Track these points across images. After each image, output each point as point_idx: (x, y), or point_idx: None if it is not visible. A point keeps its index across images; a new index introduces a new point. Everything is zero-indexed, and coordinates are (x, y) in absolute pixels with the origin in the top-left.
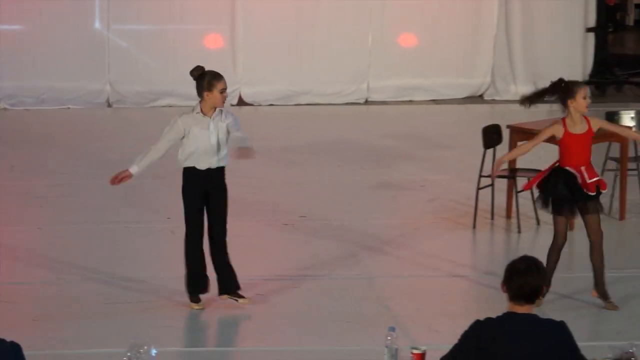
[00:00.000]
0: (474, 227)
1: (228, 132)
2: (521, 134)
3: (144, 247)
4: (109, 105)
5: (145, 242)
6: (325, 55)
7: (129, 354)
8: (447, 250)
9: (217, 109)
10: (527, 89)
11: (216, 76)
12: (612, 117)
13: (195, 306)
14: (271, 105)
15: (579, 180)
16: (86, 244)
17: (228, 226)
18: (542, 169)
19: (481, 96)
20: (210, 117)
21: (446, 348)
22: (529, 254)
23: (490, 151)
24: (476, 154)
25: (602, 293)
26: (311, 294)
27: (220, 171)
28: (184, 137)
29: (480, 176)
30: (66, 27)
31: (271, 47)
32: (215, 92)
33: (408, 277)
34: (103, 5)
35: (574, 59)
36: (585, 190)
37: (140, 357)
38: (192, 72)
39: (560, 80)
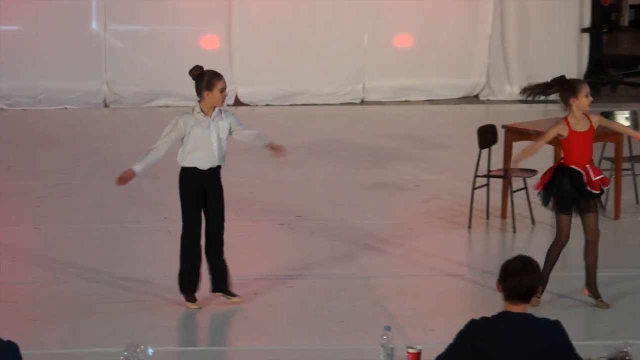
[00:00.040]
0: (470, 226)
1: (231, 132)
2: (516, 134)
3: (141, 246)
4: (106, 106)
5: (142, 242)
6: (321, 56)
7: (125, 353)
8: (443, 249)
9: (217, 109)
10: None
11: (216, 75)
12: (607, 118)
13: (191, 306)
14: (267, 105)
15: (585, 178)
16: (84, 243)
17: (224, 225)
18: (537, 169)
19: (476, 96)
20: (211, 117)
21: (442, 347)
22: (524, 253)
23: (485, 151)
24: (472, 154)
25: (594, 292)
26: (307, 293)
27: (217, 171)
28: (184, 137)
29: (476, 176)
30: (63, 27)
31: (267, 48)
32: (216, 92)
33: (404, 277)
34: (100, 5)
35: (569, 59)
36: (590, 189)
37: (137, 357)
38: (191, 72)
39: (562, 77)
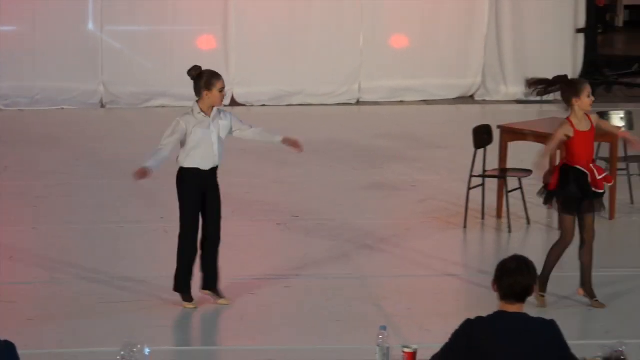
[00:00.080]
0: (465, 226)
1: (232, 131)
2: (511, 134)
3: (139, 246)
4: (103, 106)
5: (140, 242)
6: (317, 56)
7: (122, 352)
8: (439, 249)
9: (216, 109)
10: (517, 90)
11: (215, 75)
12: (602, 118)
13: (188, 305)
14: (264, 105)
15: (589, 178)
16: (82, 243)
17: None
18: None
19: (472, 96)
20: (210, 117)
21: (437, 347)
22: (520, 253)
23: (480, 151)
24: (467, 154)
25: (589, 292)
26: (303, 293)
27: (215, 171)
28: (185, 137)
29: (471, 176)
30: (60, 28)
31: (264, 48)
32: (215, 91)
33: (399, 277)
34: (96, 6)
35: (564, 59)
36: (594, 189)
37: (134, 356)
38: (189, 72)
39: (565, 76)
